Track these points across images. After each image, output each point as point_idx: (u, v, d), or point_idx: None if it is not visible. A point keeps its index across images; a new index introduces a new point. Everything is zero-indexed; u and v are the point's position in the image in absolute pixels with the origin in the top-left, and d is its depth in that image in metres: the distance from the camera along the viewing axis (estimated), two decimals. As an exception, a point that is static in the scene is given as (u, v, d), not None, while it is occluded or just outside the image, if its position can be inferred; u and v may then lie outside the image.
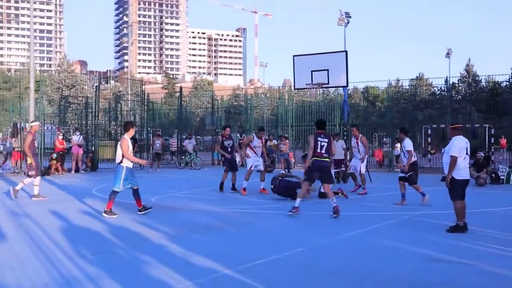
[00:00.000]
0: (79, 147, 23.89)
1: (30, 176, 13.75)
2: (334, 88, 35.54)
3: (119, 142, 11.15)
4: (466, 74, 61.91)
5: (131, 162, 11.03)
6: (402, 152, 13.14)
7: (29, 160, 13.72)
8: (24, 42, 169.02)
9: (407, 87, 52.30)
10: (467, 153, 9.13)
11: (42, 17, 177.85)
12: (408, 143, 12.84)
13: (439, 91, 51.78)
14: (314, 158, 11.32)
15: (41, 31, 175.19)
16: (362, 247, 8.00)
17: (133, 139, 24.56)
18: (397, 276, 6.23)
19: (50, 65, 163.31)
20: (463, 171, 9.09)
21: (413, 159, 12.86)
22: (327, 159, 11.44)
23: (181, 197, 14.46)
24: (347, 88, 21.80)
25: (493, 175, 19.30)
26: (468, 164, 9.24)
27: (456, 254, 7.38)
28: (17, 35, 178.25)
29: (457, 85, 56.37)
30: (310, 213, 11.54)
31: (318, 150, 11.23)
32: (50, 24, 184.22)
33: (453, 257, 7.22)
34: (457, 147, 9.01)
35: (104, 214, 10.70)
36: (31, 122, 15.40)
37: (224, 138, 15.75)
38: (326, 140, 11.36)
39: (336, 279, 6.14)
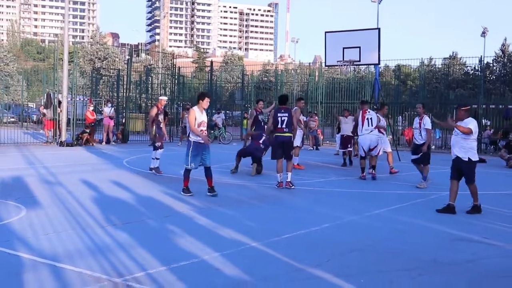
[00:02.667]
0: (110, 119, 24.24)
1: (158, 148, 13.60)
2: (365, 66, 35.16)
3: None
4: (501, 54, 60.59)
5: (197, 136, 10.01)
6: (418, 130, 12.39)
7: (153, 132, 13.60)
8: (58, 14, 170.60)
9: (439, 66, 51.57)
10: None
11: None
12: (428, 121, 12.29)
13: (472, 71, 50.86)
14: (276, 133, 11.51)
15: (75, 2, 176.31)
16: (388, 225, 8.05)
17: (164, 112, 24.95)
18: (422, 254, 6.28)
19: (82, 37, 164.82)
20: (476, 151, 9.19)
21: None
22: (288, 134, 11.51)
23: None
24: (379, 66, 21.56)
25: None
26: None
27: (481, 234, 7.39)
28: (51, 7, 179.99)
29: (491, 65, 55.25)
30: (338, 190, 11.60)
31: (279, 126, 11.40)
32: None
33: (479, 237, 7.23)
34: (474, 127, 8.94)
35: (181, 193, 10.18)
36: (160, 96, 14.98)
37: (257, 112, 14.65)
38: (286, 114, 11.44)
39: (360, 256, 6.22)
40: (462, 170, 9.04)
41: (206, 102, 10.16)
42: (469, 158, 8.95)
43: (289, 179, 11.53)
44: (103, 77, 50.92)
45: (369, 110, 13.79)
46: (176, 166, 15.08)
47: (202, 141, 9.99)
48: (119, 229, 7.16)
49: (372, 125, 13.45)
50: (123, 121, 26.94)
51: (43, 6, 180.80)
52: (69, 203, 8.98)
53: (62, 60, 23.87)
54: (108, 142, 24.14)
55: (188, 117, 10.21)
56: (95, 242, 6.43)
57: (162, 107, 14.30)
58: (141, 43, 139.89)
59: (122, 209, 8.71)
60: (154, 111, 13.85)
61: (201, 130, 10.01)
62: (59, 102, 23.05)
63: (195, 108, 10.14)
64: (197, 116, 9.98)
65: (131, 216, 8.05)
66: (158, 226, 7.49)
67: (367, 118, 13.47)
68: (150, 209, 8.64)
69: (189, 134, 10.17)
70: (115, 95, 29.41)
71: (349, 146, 17.45)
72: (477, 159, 9.11)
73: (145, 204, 9.15)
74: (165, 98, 14.69)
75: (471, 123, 8.90)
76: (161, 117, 13.94)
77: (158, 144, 13.56)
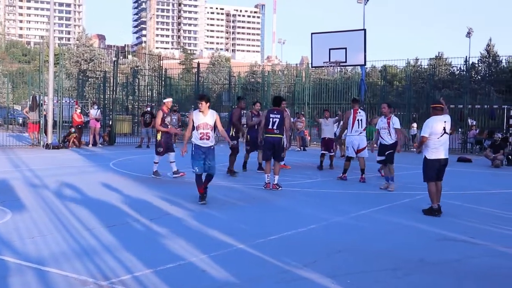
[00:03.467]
0: (96, 121, 24.12)
1: (158, 153, 13.30)
2: (352, 67, 35.30)
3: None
4: (486, 54, 61.09)
5: (196, 138, 9.60)
6: (387, 129, 12.13)
7: (158, 137, 13.33)
8: (43, 15, 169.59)
9: (426, 67, 51.89)
10: (445, 132, 8.92)
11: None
12: (396, 121, 12.05)
13: (458, 71, 51.20)
14: (266, 134, 11.61)
15: (60, 4, 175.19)
16: (374, 225, 8.08)
17: (150, 113, 24.88)
18: (408, 254, 6.31)
19: (68, 39, 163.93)
20: (435, 151, 8.91)
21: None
22: (279, 135, 11.52)
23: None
24: (365, 66, 21.66)
25: (510, 156, 19.21)
26: (445, 143, 8.98)
27: (467, 234, 7.44)
28: (36, 8, 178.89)
29: (477, 65, 55.69)
30: (325, 191, 11.63)
31: (270, 127, 11.47)
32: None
33: (465, 236, 7.29)
34: (430, 127, 8.86)
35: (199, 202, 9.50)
36: (164, 99, 14.43)
37: (253, 114, 14.37)
38: (278, 116, 11.48)
39: (346, 256, 6.24)
40: (443, 170, 9.09)
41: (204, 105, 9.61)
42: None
43: (275, 182, 11.53)
44: (90, 79, 50.67)
45: (360, 110, 13.63)
46: (163, 168, 15.03)
47: (203, 144, 9.53)
48: (105, 231, 7.13)
49: (361, 127, 13.42)
50: (110, 123, 26.83)
51: (28, 8, 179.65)
52: (55, 206, 8.92)
53: (48, 62, 23.71)
54: (94, 144, 24.02)
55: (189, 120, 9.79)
56: (81, 245, 6.39)
57: (168, 109, 13.66)
58: (128, 45, 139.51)
59: (109, 211, 8.67)
60: (159, 115, 13.25)
61: (201, 133, 9.54)
62: (40, 105, 22.92)
63: (196, 110, 9.77)
64: (195, 119, 9.58)
65: (118, 219, 8.01)
66: (145, 229, 7.46)
67: (358, 119, 13.39)
68: (137, 212, 8.60)
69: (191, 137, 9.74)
70: (102, 97, 29.28)
71: (331, 150, 16.59)
72: (433, 157, 8.98)
73: (131, 206, 9.11)
74: (170, 99, 13.98)
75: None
76: (167, 120, 13.45)
77: (160, 150, 13.27)
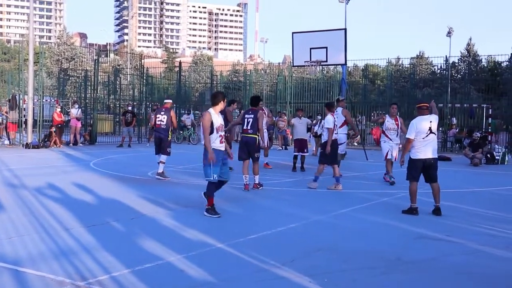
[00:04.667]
0: (77, 120, 23.95)
1: (168, 154, 13.09)
2: (333, 66, 35.44)
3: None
4: (466, 53, 61.71)
5: (215, 141, 8.58)
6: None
7: (169, 137, 13.29)
8: (23, 13, 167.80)
9: (407, 66, 52.26)
10: (431, 132, 8.83)
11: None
12: (328, 120, 11.87)
13: (439, 70, 51.66)
14: (242, 134, 11.74)
15: (41, 2, 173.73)
16: (354, 224, 8.14)
17: (132, 113, 24.78)
18: (385, 253, 6.37)
19: (49, 37, 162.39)
20: (420, 150, 8.83)
21: (334, 137, 11.97)
22: (253, 135, 11.49)
23: (178, 171, 14.57)
24: (346, 66, 21.77)
25: (489, 155, 19.44)
26: (431, 143, 8.86)
27: (444, 232, 7.53)
28: (16, 6, 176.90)
29: (457, 64, 56.24)
30: (306, 190, 11.67)
31: (245, 127, 11.47)
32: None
33: (442, 235, 7.37)
34: (415, 128, 8.82)
35: (205, 213, 8.46)
36: (165, 100, 14.07)
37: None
38: (252, 116, 11.50)
39: (325, 255, 6.28)
40: (434, 170, 9.00)
41: (222, 106, 8.75)
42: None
43: (256, 181, 11.54)
44: (70, 78, 50.26)
45: (337, 110, 13.51)
46: (145, 167, 15.01)
47: (222, 148, 8.63)
48: (84, 231, 7.10)
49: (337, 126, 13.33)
50: (91, 122, 26.66)
51: (8, 6, 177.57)
52: (33, 206, 8.85)
53: (28, 61, 23.49)
54: (75, 143, 23.85)
55: (202, 121, 8.60)
56: (59, 245, 6.36)
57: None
58: (110, 43, 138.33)
59: (88, 211, 8.63)
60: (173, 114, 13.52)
61: (220, 136, 8.59)
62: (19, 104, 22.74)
63: (211, 110, 8.62)
64: (214, 120, 8.54)
65: (97, 219, 7.97)
66: (124, 229, 7.44)
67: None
68: (116, 212, 8.57)
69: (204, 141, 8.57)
70: (83, 96, 29.07)
71: (305, 150, 15.79)
72: (416, 157, 8.95)
73: (111, 206, 9.07)
74: (170, 101, 13.97)
75: None
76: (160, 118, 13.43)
77: (169, 150, 13.20)
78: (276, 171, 15.24)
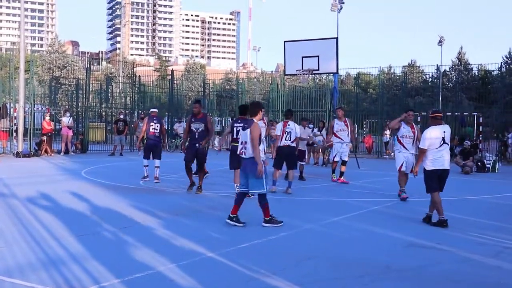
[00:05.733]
0: (68, 128, 23.88)
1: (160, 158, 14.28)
2: (325, 74, 35.60)
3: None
4: (458, 62, 62.10)
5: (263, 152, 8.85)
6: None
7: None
8: (15, 21, 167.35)
9: (399, 74, 52.49)
10: (444, 142, 8.75)
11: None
12: (276, 128, 12.82)
13: (430, 79, 51.97)
14: (232, 144, 11.68)
15: (33, 10, 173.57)
16: (344, 232, 8.15)
17: (124, 121, 24.75)
18: (375, 261, 6.38)
19: (41, 45, 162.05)
20: (434, 161, 8.75)
21: (284, 143, 12.65)
22: None
23: (170, 180, 14.55)
24: (338, 74, 21.86)
25: (479, 163, 19.53)
26: (444, 153, 8.79)
27: (435, 240, 7.55)
28: (8, 14, 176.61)
29: (448, 73, 56.60)
30: (297, 199, 11.68)
31: (234, 136, 11.47)
32: (41, 4, 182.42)
33: (432, 243, 7.39)
34: (428, 138, 8.71)
35: (264, 224, 8.49)
36: (152, 110, 15.36)
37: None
38: (241, 125, 11.45)
39: (315, 264, 6.28)
40: (443, 181, 8.94)
41: (262, 114, 8.75)
42: None
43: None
44: (62, 86, 50.18)
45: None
46: (136, 176, 14.99)
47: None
48: (74, 241, 7.07)
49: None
50: (83, 130, 26.58)
51: (0, 14, 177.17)
52: (23, 216, 8.81)
53: (19, 69, 23.43)
54: (66, 152, 23.77)
55: (252, 135, 8.27)
56: (49, 255, 6.33)
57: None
58: (102, 51, 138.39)
59: (78, 220, 8.59)
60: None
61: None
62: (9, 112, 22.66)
63: (257, 120, 8.50)
64: (262, 131, 8.58)
65: (87, 228, 7.94)
66: (114, 238, 7.41)
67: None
68: (107, 221, 8.54)
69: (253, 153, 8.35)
70: (75, 104, 29.03)
71: (303, 159, 15.95)
72: (431, 168, 8.83)
73: (101, 215, 9.04)
74: (155, 110, 15.44)
75: None
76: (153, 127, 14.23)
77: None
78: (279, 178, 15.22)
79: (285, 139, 12.79)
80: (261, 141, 8.57)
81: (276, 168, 12.99)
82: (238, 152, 8.76)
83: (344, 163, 14.78)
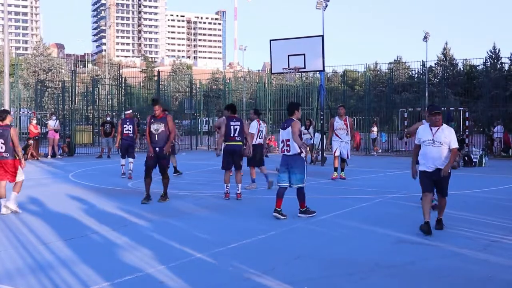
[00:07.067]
0: (55, 132, 23.74)
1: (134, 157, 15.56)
2: (312, 72, 35.68)
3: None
4: (443, 57, 62.47)
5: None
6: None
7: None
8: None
9: (385, 71, 52.75)
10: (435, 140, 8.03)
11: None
12: (251, 126, 13.05)
13: (416, 75, 52.22)
14: (227, 143, 11.67)
15: (16, 13, 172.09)
16: (333, 230, 8.17)
17: (110, 123, 24.63)
18: (364, 258, 6.41)
19: (26, 48, 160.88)
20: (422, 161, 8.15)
21: (258, 141, 13.14)
22: (239, 143, 11.60)
23: (158, 181, 14.48)
24: (324, 72, 21.88)
25: (466, 158, 19.65)
26: (436, 152, 8.00)
27: (422, 236, 7.58)
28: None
29: (434, 68, 56.89)
30: (286, 197, 11.67)
31: (231, 135, 11.51)
32: (25, 7, 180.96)
33: (420, 238, 7.43)
34: (418, 134, 8.23)
35: (300, 215, 9.26)
36: (127, 111, 16.66)
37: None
38: (238, 123, 11.61)
39: (304, 262, 6.30)
40: (442, 182, 8.08)
41: (300, 112, 9.62)
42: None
43: (239, 191, 11.35)
44: (48, 89, 49.84)
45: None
46: (124, 178, 14.95)
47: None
48: (63, 245, 7.03)
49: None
50: (69, 133, 26.42)
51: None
52: (9, 220, 8.75)
53: (4, 73, 23.26)
54: (53, 155, 23.61)
55: (293, 129, 8.95)
56: (37, 260, 6.29)
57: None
58: (88, 54, 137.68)
59: (66, 224, 8.55)
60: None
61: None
62: None
63: (296, 119, 9.23)
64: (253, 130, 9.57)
65: (75, 231, 7.90)
66: (103, 241, 7.38)
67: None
68: (95, 224, 8.50)
69: (298, 149, 9.00)
70: (61, 107, 28.84)
71: None
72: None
73: (90, 218, 8.99)
74: (130, 111, 16.37)
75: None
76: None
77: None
78: (256, 179, 15.20)
79: (259, 137, 13.28)
80: (301, 137, 9.12)
81: (252, 166, 13.27)
82: (280, 151, 9.42)
83: (344, 160, 14.95)
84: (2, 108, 16.16)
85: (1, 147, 9.49)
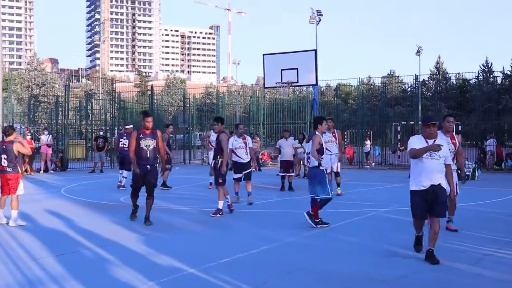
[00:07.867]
0: (48, 146, 23.65)
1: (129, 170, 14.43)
2: (306, 86, 35.81)
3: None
4: (436, 71, 62.81)
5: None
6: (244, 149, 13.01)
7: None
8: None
9: (378, 85, 52.99)
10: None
11: (11, 14, 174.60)
12: (248, 140, 13.19)
13: (409, 88, 52.45)
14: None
15: (11, 28, 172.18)
16: (327, 244, 8.14)
17: (103, 137, 24.57)
18: (357, 272, 6.38)
19: (19, 63, 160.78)
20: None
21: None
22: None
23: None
24: (317, 86, 21.96)
25: (459, 171, 19.63)
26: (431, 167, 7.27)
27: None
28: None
29: (427, 82, 57.17)
30: (280, 211, 11.66)
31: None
32: (19, 21, 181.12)
33: (414, 252, 7.40)
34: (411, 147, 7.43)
35: (315, 226, 9.45)
36: (127, 126, 17.73)
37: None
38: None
39: (297, 277, 6.26)
40: (440, 200, 7.10)
41: (325, 126, 9.93)
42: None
43: (220, 207, 10.85)
44: (41, 104, 49.77)
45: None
46: (117, 193, 14.89)
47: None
48: (54, 261, 6.97)
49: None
50: (62, 148, 26.31)
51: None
52: (0, 236, 8.67)
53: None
54: (46, 170, 23.51)
55: (312, 143, 9.42)
56: (27, 276, 6.23)
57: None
58: (81, 68, 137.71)
59: (58, 240, 8.48)
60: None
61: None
62: None
63: (318, 133, 9.59)
64: (322, 141, 9.58)
65: (66, 247, 7.84)
66: (94, 257, 7.32)
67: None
68: (87, 239, 8.44)
69: (316, 162, 9.41)
70: (54, 121, 28.77)
71: (290, 170, 15.98)
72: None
73: (81, 234, 8.93)
74: (131, 126, 17.17)
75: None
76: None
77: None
78: (260, 190, 15.18)
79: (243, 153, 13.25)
80: (323, 151, 9.54)
81: (237, 181, 13.00)
82: (305, 162, 10.08)
83: (337, 174, 14.67)
84: (9, 124, 16.20)
85: (4, 162, 9.92)
